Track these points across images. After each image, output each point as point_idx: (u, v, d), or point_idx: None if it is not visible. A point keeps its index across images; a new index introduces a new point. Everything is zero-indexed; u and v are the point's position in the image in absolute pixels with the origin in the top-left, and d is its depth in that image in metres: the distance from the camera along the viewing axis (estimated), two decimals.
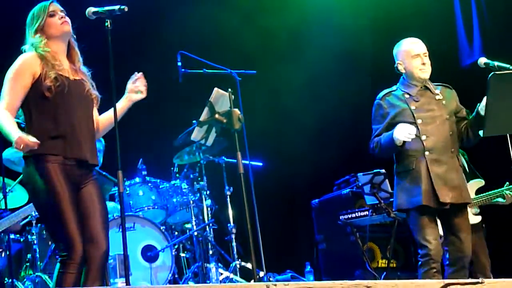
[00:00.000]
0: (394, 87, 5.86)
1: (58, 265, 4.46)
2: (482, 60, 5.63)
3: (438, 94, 5.76)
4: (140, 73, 4.93)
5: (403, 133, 5.49)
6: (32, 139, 4.25)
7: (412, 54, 5.75)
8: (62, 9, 4.71)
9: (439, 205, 5.54)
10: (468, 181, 6.65)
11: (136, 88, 4.88)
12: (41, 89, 4.45)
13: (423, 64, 5.74)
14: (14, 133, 4.28)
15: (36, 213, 6.89)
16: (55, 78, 4.47)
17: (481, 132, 5.49)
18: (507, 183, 6.61)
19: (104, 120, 4.88)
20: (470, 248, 5.67)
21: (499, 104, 5.14)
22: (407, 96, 5.74)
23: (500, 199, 6.66)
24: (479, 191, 6.72)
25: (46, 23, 4.63)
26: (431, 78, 5.83)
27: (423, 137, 5.61)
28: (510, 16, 8.57)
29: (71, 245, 4.39)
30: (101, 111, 4.89)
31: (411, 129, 5.50)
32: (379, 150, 5.71)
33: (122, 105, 4.85)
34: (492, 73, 5.13)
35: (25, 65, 4.51)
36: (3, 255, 6.99)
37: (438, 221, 5.73)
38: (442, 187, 5.54)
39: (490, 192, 6.65)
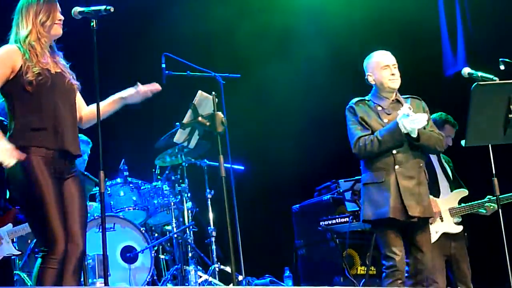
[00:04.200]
0: (366, 97, 5.87)
1: (39, 260, 4.42)
2: (466, 70, 5.66)
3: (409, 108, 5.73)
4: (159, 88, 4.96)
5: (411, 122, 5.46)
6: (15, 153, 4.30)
7: (382, 65, 5.79)
8: (60, 10, 4.71)
9: (407, 218, 5.55)
10: (452, 190, 6.70)
11: (145, 93, 4.89)
12: (22, 83, 4.45)
13: (392, 74, 5.77)
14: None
15: None
16: (39, 73, 4.46)
17: (462, 142, 5.51)
18: (488, 196, 6.64)
19: (89, 112, 4.87)
20: (431, 261, 5.71)
21: (481, 115, 5.16)
22: (379, 108, 5.76)
23: (481, 210, 6.72)
24: (462, 201, 6.73)
25: (52, 19, 4.61)
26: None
27: (394, 151, 5.62)
28: (494, 26, 8.62)
29: (53, 240, 4.36)
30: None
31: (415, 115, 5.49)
32: (375, 146, 5.59)
33: (114, 98, 4.87)
34: (476, 83, 5.14)
35: (6, 56, 4.49)
36: None
37: None
38: (411, 201, 5.57)
39: (472, 203, 6.68)
